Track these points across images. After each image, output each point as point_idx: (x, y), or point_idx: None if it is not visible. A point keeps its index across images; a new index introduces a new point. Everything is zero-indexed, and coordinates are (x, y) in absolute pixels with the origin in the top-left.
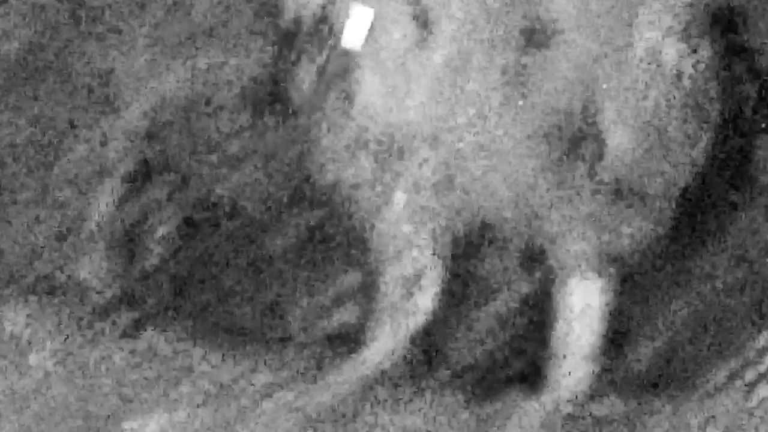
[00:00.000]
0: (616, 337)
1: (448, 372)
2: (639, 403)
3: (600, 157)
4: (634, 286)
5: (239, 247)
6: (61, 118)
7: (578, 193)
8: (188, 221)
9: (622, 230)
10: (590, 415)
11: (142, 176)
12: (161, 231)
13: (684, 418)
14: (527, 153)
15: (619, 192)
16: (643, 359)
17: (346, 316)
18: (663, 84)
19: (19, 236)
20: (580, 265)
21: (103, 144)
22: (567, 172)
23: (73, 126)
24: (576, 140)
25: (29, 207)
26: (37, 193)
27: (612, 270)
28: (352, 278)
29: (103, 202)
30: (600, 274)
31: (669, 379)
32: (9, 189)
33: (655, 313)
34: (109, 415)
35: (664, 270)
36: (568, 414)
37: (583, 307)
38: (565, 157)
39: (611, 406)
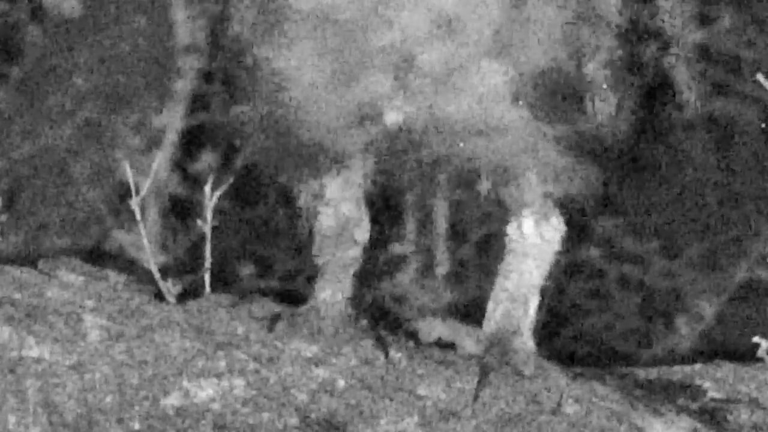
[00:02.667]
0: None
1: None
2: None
3: (582, 111)
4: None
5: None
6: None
7: (545, 140)
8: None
9: (576, 176)
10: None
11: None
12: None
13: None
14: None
15: (580, 141)
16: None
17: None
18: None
19: (76, 203)
20: (533, 206)
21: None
22: (548, 122)
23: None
24: (562, 97)
25: (87, 175)
26: (94, 161)
27: (558, 212)
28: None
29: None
30: (549, 216)
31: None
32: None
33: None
34: (164, 379)
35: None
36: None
37: (536, 244)
38: (551, 113)
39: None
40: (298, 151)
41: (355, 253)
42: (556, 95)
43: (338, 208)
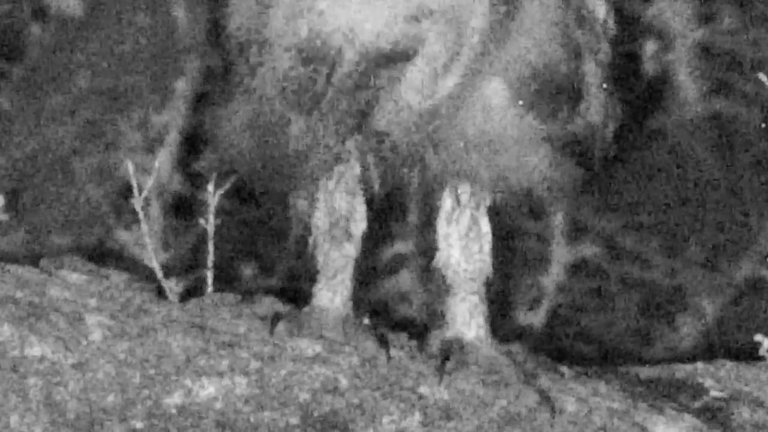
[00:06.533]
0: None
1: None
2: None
3: (577, 111)
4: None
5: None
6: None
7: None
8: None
9: (550, 174)
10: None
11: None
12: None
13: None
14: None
15: (571, 141)
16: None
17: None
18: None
19: (78, 202)
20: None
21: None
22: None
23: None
24: (559, 96)
25: (89, 174)
26: (96, 160)
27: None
28: None
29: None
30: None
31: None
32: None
33: None
34: (166, 378)
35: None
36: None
37: (465, 270)
38: (548, 111)
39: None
40: (287, 158)
41: (351, 248)
42: (554, 94)
43: (332, 202)
